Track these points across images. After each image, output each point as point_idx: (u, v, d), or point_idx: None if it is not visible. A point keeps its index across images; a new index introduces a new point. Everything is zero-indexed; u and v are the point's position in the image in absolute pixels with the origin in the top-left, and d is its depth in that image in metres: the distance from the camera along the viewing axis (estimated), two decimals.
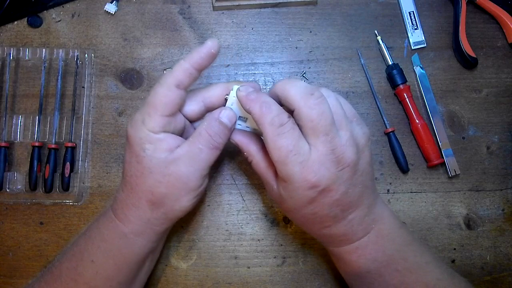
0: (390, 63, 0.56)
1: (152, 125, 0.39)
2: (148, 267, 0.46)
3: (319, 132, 0.36)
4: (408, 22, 0.58)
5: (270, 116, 0.37)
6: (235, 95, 0.41)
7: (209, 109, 0.43)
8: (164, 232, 0.45)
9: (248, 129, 0.44)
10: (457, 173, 0.54)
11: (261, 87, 0.57)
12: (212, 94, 0.43)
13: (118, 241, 0.42)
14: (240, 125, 0.44)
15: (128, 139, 0.40)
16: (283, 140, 0.36)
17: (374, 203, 0.42)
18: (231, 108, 0.42)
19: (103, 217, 0.44)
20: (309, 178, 0.36)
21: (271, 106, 0.37)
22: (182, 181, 0.39)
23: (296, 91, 0.37)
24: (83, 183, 0.53)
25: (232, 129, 0.42)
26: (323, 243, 0.45)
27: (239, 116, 0.43)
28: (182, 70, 0.39)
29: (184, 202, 0.41)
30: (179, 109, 0.41)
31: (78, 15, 0.57)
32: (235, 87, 0.41)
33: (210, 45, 0.39)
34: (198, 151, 0.39)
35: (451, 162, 0.55)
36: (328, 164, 0.37)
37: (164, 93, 0.39)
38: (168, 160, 0.39)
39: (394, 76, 0.55)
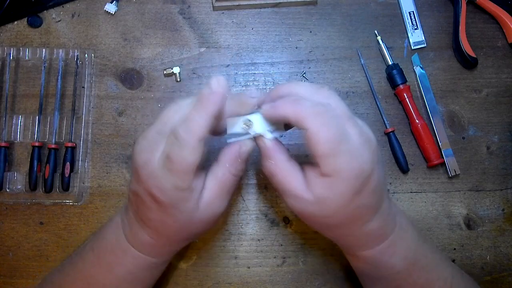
0: (390, 63, 0.56)
1: (179, 184, 0.35)
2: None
3: (345, 115, 0.36)
4: (408, 22, 0.58)
5: (307, 107, 0.34)
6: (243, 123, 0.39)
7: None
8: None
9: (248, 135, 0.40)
10: (457, 173, 0.54)
11: (261, 87, 0.57)
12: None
13: (140, 271, 0.43)
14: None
15: (151, 191, 0.36)
16: (329, 129, 0.34)
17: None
18: (251, 141, 0.40)
19: (116, 245, 0.42)
20: (357, 166, 0.35)
21: (301, 100, 0.35)
22: (212, 217, 0.40)
23: (304, 89, 0.37)
24: (83, 183, 0.53)
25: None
26: (356, 249, 0.41)
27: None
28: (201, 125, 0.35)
29: (210, 228, 0.43)
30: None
31: (78, 15, 0.57)
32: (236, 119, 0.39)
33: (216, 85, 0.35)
34: (226, 192, 0.40)
35: (451, 162, 0.55)
36: (364, 148, 0.35)
37: (188, 148, 0.34)
38: (200, 206, 0.38)
39: (394, 76, 0.55)
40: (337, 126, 0.34)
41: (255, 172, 0.55)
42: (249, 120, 0.39)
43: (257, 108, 0.39)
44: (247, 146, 0.39)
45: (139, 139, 0.38)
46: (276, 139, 0.39)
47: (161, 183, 0.35)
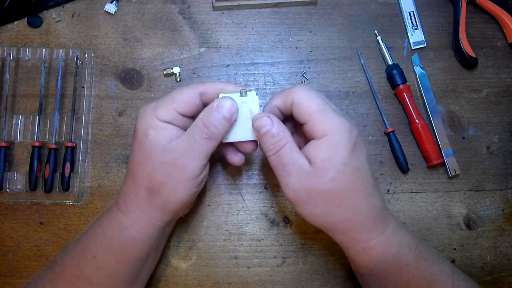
0: (390, 63, 0.56)
1: (162, 113, 0.40)
2: (149, 266, 0.47)
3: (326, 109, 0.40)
4: (408, 22, 0.58)
5: (294, 86, 0.41)
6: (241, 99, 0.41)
7: (205, 102, 0.43)
8: (164, 229, 0.45)
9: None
10: (457, 173, 0.54)
11: (261, 87, 0.57)
12: (210, 87, 0.43)
13: (119, 236, 0.42)
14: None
15: (136, 124, 0.41)
16: (316, 94, 0.40)
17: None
18: (231, 98, 0.40)
19: (106, 212, 0.45)
20: (347, 122, 0.39)
21: (284, 90, 0.41)
22: (177, 170, 0.40)
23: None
24: (83, 183, 0.53)
25: (232, 120, 0.40)
26: (365, 235, 0.40)
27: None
28: (213, 85, 0.42)
29: (180, 192, 0.41)
30: (192, 114, 0.42)
31: (78, 15, 0.57)
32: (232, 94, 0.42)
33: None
34: (194, 141, 0.39)
35: (451, 162, 0.55)
36: (347, 118, 0.40)
37: (187, 92, 0.41)
38: (166, 148, 0.40)
39: (394, 76, 0.55)
40: (320, 95, 0.40)
41: (255, 172, 0.55)
42: (247, 92, 0.41)
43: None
44: (228, 103, 0.40)
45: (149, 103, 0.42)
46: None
47: (147, 117, 0.40)
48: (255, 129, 0.40)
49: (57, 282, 0.42)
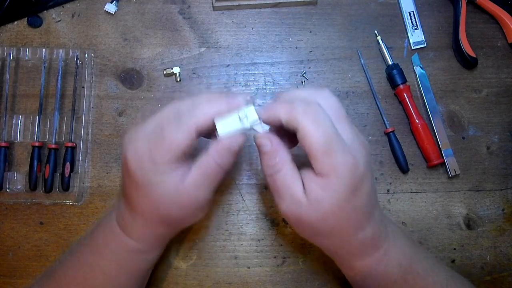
0: (390, 63, 0.56)
1: (160, 159, 0.37)
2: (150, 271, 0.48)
3: (341, 115, 0.37)
4: (408, 22, 0.58)
5: (301, 107, 0.35)
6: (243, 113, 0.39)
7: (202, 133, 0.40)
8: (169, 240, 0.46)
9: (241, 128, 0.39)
10: (457, 173, 0.54)
11: (261, 87, 0.57)
12: (203, 119, 0.38)
13: (131, 257, 0.43)
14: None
15: (130, 167, 0.38)
16: (324, 128, 0.35)
17: None
18: (239, 135, 0.39)
19: (110, 231, 0.43)
20: (351, 163, 0.35)
21: (294, 101, 0.36)
22: (193, 205, 0.40)
23: (304, 92, 0.38)
24: (83, 183, 0.53)
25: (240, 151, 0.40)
26: (351, 259, 0.41)
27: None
28: (205, 117, 0.38)
29: (195, 219, 0.42)
30: (190, 152, 0.39)
31: (78, 15, 0.57)
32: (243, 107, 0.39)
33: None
34: (205, 178, 0.39)
35: (451, 162, 0.55)
36: (358, 148, 0.36)
37: (182, 135, 0.37)
38: (179, 190, 0.38)
39: (394, 76, 0.55)
40: (329, 125, 0.35)
41: (255, 172, 0.55)
42: (245, 113, 0.38)
43: (249, 99, 0.39)
44: (238, 140, 0.39)
45: (131, 130, 0.39)
46: (278, 138, 0.39)
47: (145, 163, 0.37)
48: (256, 145, 0.39)
49: None
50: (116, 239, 0.42)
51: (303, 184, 0.37)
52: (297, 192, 0.37)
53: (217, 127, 0.38)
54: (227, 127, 0.38)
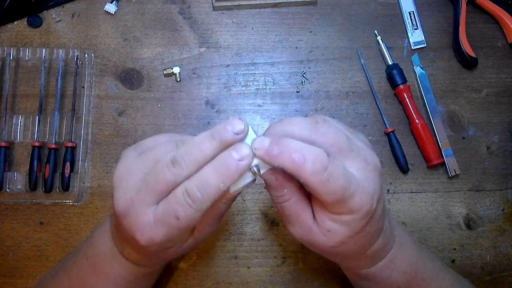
0: (390, 63, 0.56)
1: (174, 237, 0.34)
2: None
3: (346, 150, 0.33)
4: (408, 22, 0.58)
5: (309, 165, 0.31)
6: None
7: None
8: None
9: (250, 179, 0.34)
10: (457, 173, 0.54)
11: (261, 87, 0.57)
12: (213, 194, 0.32)
13: (142, 278, 0.43)
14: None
15: (125, 224, 0.34)
16: (335, 183, 0.31)
17: None
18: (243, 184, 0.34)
19: (113, 257, 0.40)
20: (366, 202, 0.33)
21: (304, 152, 0.31)
22: (202, 242, 0.39)
23: (299, 128, 0.33)
24: (83, 183, 0.53)
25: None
26: (357, 269, 0.41)
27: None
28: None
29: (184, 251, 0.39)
30: None
31: (78, 15, 0.57)
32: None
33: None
34: (215, 218, 0.37)
35: (451, 162, 0.55)
36: (370, 175, 0.34)
37: (198, 215, 0.32)
38: (188, 242, 0.37)
39: (394, 76, 0.55)
40: (341, 176, 0.31)
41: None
42: (257, 166, 0.33)
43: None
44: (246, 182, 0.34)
45: (119, 169, 0.34)
46: (283, 172, 0.33)
47: (152, 235, 0.33)
48: (263, 179, 0.35)
49: None
50: (117, 262, 0.40)
51: (316, 213, 0.35)
52: (307, 220, 0.35)
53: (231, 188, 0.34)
54: (241, 183, 0.34)
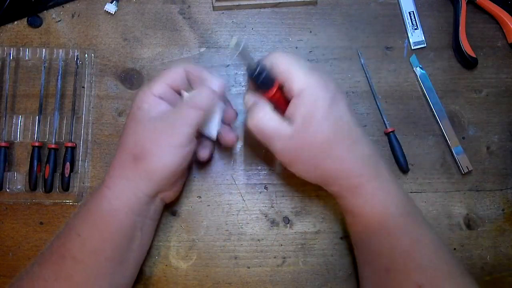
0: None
1: (154, 88, 0.44)
2: (137, 250, 0.45)
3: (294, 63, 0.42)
4: (408, 22, 0.58)
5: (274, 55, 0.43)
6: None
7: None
8: (148, 206, 0.44)
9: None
10: (469, 170, 0.54)
11: None
12: (194, 70, 0.46)
13: (102, 209, 0.42)
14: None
15: (132, 102, 0.45)
16: (291, 56, 0.42)
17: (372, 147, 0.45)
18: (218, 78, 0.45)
19: (93, 191, 0.46)
20: (321, 76, 0.42)
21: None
22: (165, 137, 0.42)
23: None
24: (83, 183, 0.53)
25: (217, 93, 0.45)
26: (338, 197, 0.45)
27: None
28: (198, 70, 0.45)
29: (166, 159, 0.42)
30: (180, 88, 0.46)
31: (78, 15, 0.57)
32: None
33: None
34: (182, 110, 0.43)
35: (462, 159, 0.55)
36: (317, 75, 0.42)
37: (175, 69, 0.45)
38: (157, 118, 0.42)
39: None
40: (297, 56, 0.43)
41: (254, 172, 0.55)
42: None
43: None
44: (216, 80, 0.45)
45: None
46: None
47: (142, 93, 0.44)
48: (244, 103, 0.45)
49: (45, 264, 0.42)
50: (94, 193, 0.44)
51: (287, 115, 0.42)
52: (285, 128, 0.42)
53: (183, 94, 0.45)
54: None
